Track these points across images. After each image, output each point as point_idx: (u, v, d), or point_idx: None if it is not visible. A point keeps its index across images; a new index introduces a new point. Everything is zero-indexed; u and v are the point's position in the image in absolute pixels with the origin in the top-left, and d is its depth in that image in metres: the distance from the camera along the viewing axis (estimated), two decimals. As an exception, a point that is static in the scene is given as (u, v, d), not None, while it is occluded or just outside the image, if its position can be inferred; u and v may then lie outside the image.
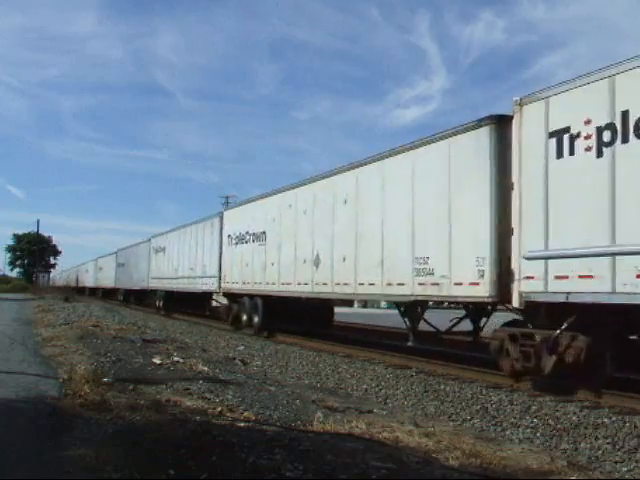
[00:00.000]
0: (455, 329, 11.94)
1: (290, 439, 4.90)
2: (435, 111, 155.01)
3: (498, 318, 10.76)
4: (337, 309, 20.23)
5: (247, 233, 19.48)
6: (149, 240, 34.47)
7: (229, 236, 21.20)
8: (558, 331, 8.31)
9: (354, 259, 13.24)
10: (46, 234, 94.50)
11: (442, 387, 9.52)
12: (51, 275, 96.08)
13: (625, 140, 7.45)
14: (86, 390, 6.26)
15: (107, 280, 47.36)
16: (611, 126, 7.58)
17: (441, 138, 10.75)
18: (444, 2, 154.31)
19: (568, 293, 7.99)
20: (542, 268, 8.43)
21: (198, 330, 20.31)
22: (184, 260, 26.58)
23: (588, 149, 7.89)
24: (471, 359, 11.77)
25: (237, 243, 20.37)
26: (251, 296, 18.69)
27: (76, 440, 4.59)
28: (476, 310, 11.51)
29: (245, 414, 6.05)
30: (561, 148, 8.27)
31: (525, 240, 8.79)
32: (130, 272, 38.76)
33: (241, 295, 19.66)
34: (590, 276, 7.72)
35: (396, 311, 12.88)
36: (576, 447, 6.34)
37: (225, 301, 22.09)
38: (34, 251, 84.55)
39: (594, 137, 7.81)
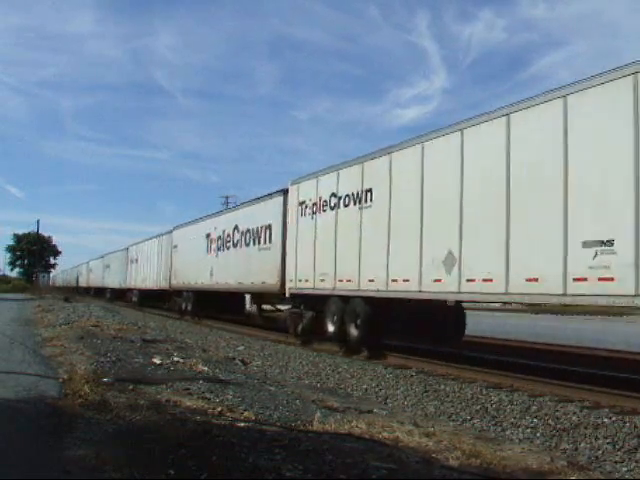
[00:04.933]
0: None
1: (290, 439, 4.90)
2: (435, 111, 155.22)
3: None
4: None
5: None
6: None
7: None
8: None
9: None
10: (46, 234, 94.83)
11: (442, 387, 9.52)
12: (51, 275, 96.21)
13: None
14: (86, 390, 6.26)
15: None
16: None
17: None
18: (444, 1, 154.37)
19: None
20: None
21: (198, 330, 20.29)
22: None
23: None
24: (471, 359, 11.76)
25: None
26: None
27: (76, 440, 4.58)
28: None
29: (245, 414, 6.04)
30: None
31: None
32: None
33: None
34: None
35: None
36: (576, 447, 6.34)
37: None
38: (34, 251, 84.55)
39: None
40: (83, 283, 64.09)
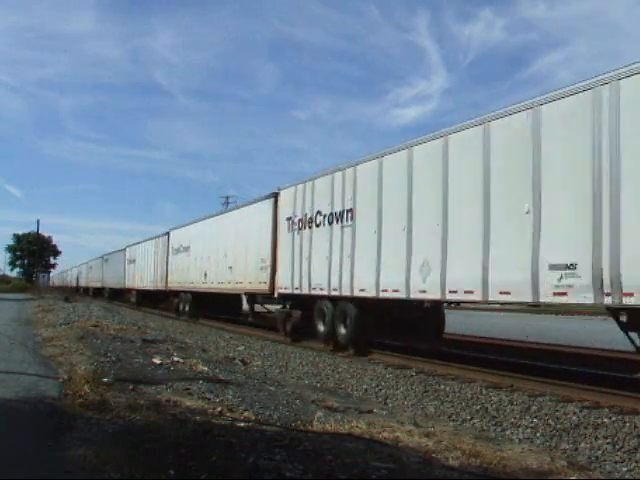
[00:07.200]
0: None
1: (290, 439, 4.90)
2: (434, 110, 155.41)
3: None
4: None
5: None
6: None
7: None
8: None
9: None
10: (46, 234, 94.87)
11: (442, 387, 9.52)
12: (51, 275, 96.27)
13: None
14: (86, 390, 6.26)
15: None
16: None
17: None
18: (443, 1, 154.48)
19: None
20: None
21: (198, 330, 20.29)
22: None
23: None
24: (471, 359, 11.75)
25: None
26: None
27: (76, 440, 4.58)
28: None
29: (245, 414, 6.04)
30: None
31: None
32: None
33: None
34: None
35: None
36: (576, 447, 6.34)
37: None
38: (34, 251, 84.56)
39: None
40: (83, 283, 64.20)
